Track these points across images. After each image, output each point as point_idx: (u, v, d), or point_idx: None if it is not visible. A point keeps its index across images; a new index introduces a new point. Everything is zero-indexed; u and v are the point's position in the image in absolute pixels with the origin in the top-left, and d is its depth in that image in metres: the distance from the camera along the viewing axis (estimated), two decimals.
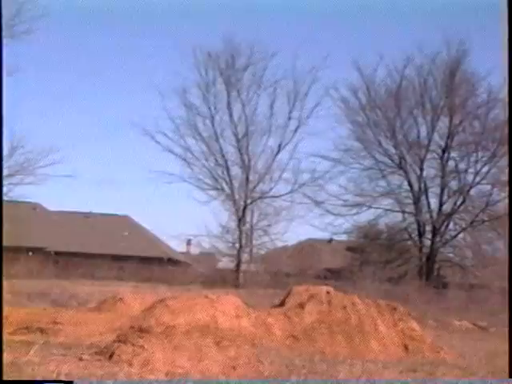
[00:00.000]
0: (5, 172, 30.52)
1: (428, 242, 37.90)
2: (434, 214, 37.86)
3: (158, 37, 60.20)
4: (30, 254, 38.62)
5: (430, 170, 38.67)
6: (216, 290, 25.44)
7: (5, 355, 8.56)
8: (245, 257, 37.93)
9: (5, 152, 30.42)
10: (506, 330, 10.30)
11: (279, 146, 38.03)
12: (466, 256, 38.28)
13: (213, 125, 37.84)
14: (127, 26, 60.50)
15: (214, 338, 9.65)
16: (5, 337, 11.16)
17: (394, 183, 39.31)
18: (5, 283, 24.30)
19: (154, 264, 38.97)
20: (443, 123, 37.99)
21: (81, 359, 8.86)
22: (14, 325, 12.67)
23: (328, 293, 12.72)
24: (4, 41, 29.11)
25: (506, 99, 21.80)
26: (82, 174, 67.25)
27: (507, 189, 26.95)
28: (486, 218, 36.22)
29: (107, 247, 44.05)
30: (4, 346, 9.74)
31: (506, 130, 24.70)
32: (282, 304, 13.29)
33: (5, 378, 7.77)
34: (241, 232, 37.27)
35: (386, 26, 57.72)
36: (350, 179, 39.36)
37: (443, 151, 37.85)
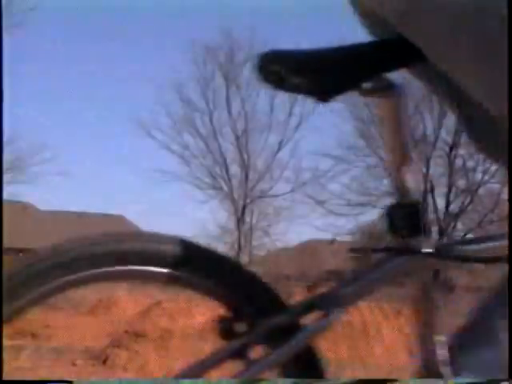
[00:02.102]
0: None
1: None
2: (441, 214, 37.63)
3: (155, 29, 59.99)
4: (21, 255, 38.54)
5: (437, 168, 38.43)
6: None
7: None
8: (244, 258, 37.70)
9: None
10: None
11: (280, 143, 37.77)
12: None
13: (211, 121, 37.55)
14: (122, 19, 60.33)
15: (212, 343, 9.34)
16: None
17: None
18: None
19: None
20: (450, 119, 37.76)
21: (74, 364, 8.88)
22: (4, 329, 12.41)
23: None
24: None
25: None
26: (75, 171, 66.94)
27: (507, 189, 26.48)
28: (494, 218, 35.94)
29: None
30: None
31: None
32: None
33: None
34: (240, 232, 37.04)
35: None
36: (353, 178, 39.18)
37: (450, 148, 37.51)
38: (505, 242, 1.49)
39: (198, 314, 11.50)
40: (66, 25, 58.49)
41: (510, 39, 1.28)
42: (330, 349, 11.00)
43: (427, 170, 37.85)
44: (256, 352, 1.53)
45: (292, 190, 37.87)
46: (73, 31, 61.32)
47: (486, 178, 36.63)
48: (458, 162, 37.69)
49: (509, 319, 1.50)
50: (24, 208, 45.71)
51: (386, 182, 39.04)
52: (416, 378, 1.63)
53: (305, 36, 55.47)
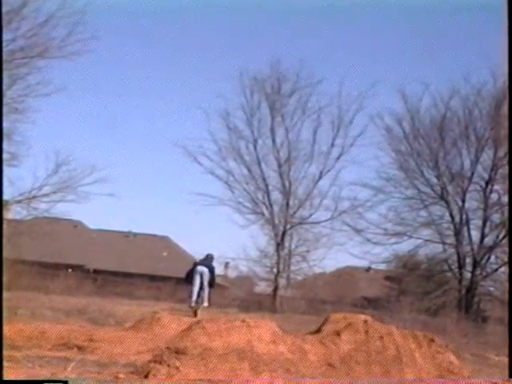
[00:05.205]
0: (49, 189, 30.91)
1: (468, 275, 37.46)
2: (475, 247, 37.43)
3: (206, 59, 60.85)
4: (70, 270, 39.01)
5: (473, 202, 38.32)
6: (252, 313, 25.39)
7: (43, 371, 8.65)
8: (282, 282, 37.77)
9: (50, 169, 30.83)
10: None
11: (321, 172, 37.90)
12: (507, 290, 37.71)
13: (255, 149, 37.89)
14: (174, 49, 61.33)
15: (250, 362, 9.64)
16: (43, 352, 11.30)
17: (436, 214, 38.90)
18: (44, 299, 24.63)
19: None
20: (487, 155, 37.68)
21: (117, 377, 8.93)
22: (52, 341, 12.78)
23: (365, 321, 12.63)
24: (55, 61, 29.64)
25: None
26: (123, 193, 67.79)
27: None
28: None
29: (146, 267, 44.31)
30: (42, 362, 9.83)
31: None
32: (318, 331, 13.23)
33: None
34: (279, 257, 37.14)
35: (432, 55, 57.81)
36: (390, 208, 39.09)
37: (486, 183, 37.48)
38: None
39: (237, 334, 11.65)
40: (122, 53, 59.80)
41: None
42: (363, 373, 11.23)
43: (463, 203, 37.74)
44: None
45: (331, 218, 38.00)
46: (128, 60, 62.54)
47: None
48: (494, 196, 37.55)
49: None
50: (74, 226, 46.33)
51: (422, 213, 39.02)
52: None
53: (350, 70, 55.93)
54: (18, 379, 8.14)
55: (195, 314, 19.14)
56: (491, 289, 38.38)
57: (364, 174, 58.57)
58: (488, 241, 37.43)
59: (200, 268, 20.15)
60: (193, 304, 19.87)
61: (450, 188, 38.17)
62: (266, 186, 37.91)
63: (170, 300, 30.86)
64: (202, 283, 20.10)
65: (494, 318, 33.09)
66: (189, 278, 21.52)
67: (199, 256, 21.90)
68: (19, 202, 30.19)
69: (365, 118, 38.61)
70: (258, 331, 11.76)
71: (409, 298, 34.17)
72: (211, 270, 20.41)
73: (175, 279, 38.24)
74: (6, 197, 26.44)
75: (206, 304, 20.00)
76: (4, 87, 23.49)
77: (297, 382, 9.36)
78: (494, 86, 36.57)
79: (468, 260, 37.58)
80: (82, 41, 29.48)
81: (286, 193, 37.65)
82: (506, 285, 37.52)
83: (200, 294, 20.07)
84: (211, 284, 20.35)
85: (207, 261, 20.59)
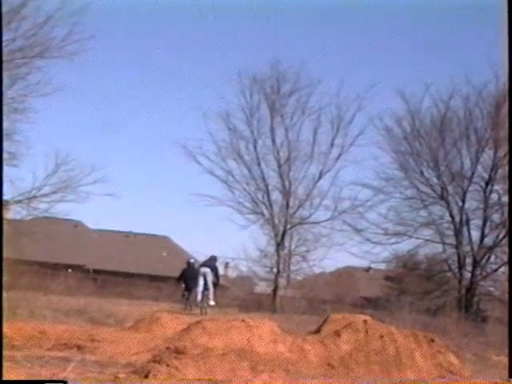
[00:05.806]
0: (48, 189, 30.86)
1: (468, 275, 37.45)
2: (475, 247, 37.41)
3: (205, 60, 60.85)
4: (69, 270, 39.02)
5: (473, 202, 38.30)
6: (252, 313, 25.39)
7: (43, 371, 8.65)
8: (282, 282, 37.78)
9: (50, 169, 30.78)
10: None
11: (320, 172, 37.88)
12: (507, 290, 37.67)
13: (255, 149, 37.86)
14: (174, 49, 61.29)
15: (250, 362, 9.64)
16: (43, 352, 11.30)
17: (436, 214, 38.87)
18: (43, 299, 24.62)
19: None
20: (487, 155, 37.65)
21: (117, 377, 8.94)
22: (52, 341, 12.78)
23: (365, 321, 12.62)
24: (55, 61, 29.60)
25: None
26: (123, 193, 67.75)
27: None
28: None
29: (145, 267, 44.35)
30: (42, 362, 9.83)
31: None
32: (318, 331, 13.23)
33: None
34: (279, 257, 37.14)
35: (433, 55, 57.80)
36: (390, 208, 39.06)
37: (486, 183, 37.46)
38: None
39: (237, 333, 11.65)
40: (121, 52, 59.79)
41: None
42: (363, 373, 11.22)
43: (463, 203, 37.73)
44: None
45: (331, 218, 37.95)
46: (127, 60, 62.56)
47: None
48: (494, 196, 37.54)
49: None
50: (74, 226, 46.35)
51: (422, 213, 38.99)
52: None
53: (350, 70, 55.94)
54: (18, 379, 8.13)
55: (202, 313, 19.51)
56: (491, 289, 38.38)
57: (364, 174, 58.52)
58: (488, 241, 37.39)
59: (203, 269, 20.64)
60: (197, 305, 20.27)
61: (450, 188, 38.15)
62: (266, 186, 37.89)
63: (170, 300, 30.85)
64: (205, 284, 20.44)
65: (493, 317, 33.02)
66: (181, 278, 22.13)
67: (199, 256, 22.11)
68: (19, 202, 30.16)
69: (364, 117, 38.65)
70: (258, 331, 11.77)
71: (409, 298, 34.15)
72: (214, 270, 20.75)
73: (175, 279, 38.29)
74: (5, 197, 26.46)
75: (212, 303, 20.40)
76: (4, 87, 23.48)
77: (297, 382, 9.36)
78: (496, 87, 36.56)
79: (468, 260, 37.55)
80: (82, 41, 29.48)
81: (286, 193, 37.62)
82: (506, 285, 37.47)
83: (204, 294, 20.41)
84: (215, 283, 20.72)
85: (210, 262, 20.95)
